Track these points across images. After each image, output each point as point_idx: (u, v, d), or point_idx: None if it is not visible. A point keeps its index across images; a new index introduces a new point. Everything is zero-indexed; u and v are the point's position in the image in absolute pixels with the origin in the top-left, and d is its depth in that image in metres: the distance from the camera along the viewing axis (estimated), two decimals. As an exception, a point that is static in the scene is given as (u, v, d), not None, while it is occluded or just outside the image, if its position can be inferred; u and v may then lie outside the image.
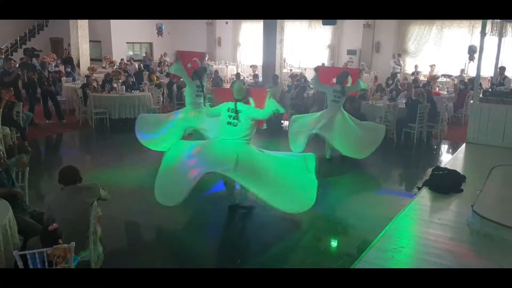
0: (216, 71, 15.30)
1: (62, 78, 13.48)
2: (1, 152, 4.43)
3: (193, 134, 7.41)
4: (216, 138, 5.54)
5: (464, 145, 8.99)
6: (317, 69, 9.28)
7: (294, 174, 5.40)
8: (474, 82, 9.59)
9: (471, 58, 15.33)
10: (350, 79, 8.20)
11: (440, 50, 16.93)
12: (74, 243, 3.25)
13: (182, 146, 5.78)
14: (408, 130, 9.91)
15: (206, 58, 8.39)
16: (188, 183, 5.02)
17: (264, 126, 5.82)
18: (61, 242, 3.21)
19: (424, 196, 5.99)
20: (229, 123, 5.28)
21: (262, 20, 14.34)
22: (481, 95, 9.34)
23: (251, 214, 5.78)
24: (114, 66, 14.64)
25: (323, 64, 17.56)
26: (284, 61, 17.86)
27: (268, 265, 4.49)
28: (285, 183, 5.28)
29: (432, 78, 14.03)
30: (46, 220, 3.84)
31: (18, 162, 4.66)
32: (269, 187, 5.10)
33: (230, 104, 5.30)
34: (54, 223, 3.45)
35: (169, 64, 15.84)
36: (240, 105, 5.27)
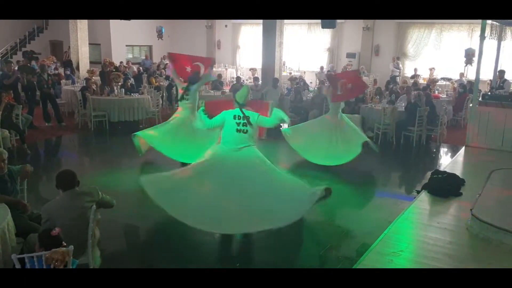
0: (220, 75, 15.30)
1: (61, 81, 13.49)
2: (4, 157, 4.38)
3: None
4: (220, 151, 5.26)
5: (463, 148, 9.00)
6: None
7: (292, 187, 5.19)
8: (474, 85, 9.61)
9: (467, 62, 15.35)
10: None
11: (440, 53, 16.95)
12: (72, 246, 3.24)
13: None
14: (407, 134, 9.92)
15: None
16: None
17: (264, 136, 5.72)
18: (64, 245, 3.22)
19: (423, 199, 5.99)
20: (238, 130, 5.08)
21: (262, 23, 14.35)
22: (480, 99, 9.35)
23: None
24: (113, 68, 14.58)
25: (321, 67, 17.63)
26: (284, 64, 17.89)
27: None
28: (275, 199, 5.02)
29: (432, 82, 14.05)
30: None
31: (21, 171, 4.63)
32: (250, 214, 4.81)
33: (236, 111, 5.12)
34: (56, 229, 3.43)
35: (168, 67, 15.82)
36: (246, 111, 5.11)
